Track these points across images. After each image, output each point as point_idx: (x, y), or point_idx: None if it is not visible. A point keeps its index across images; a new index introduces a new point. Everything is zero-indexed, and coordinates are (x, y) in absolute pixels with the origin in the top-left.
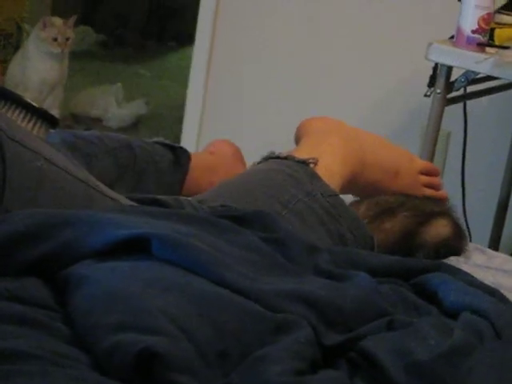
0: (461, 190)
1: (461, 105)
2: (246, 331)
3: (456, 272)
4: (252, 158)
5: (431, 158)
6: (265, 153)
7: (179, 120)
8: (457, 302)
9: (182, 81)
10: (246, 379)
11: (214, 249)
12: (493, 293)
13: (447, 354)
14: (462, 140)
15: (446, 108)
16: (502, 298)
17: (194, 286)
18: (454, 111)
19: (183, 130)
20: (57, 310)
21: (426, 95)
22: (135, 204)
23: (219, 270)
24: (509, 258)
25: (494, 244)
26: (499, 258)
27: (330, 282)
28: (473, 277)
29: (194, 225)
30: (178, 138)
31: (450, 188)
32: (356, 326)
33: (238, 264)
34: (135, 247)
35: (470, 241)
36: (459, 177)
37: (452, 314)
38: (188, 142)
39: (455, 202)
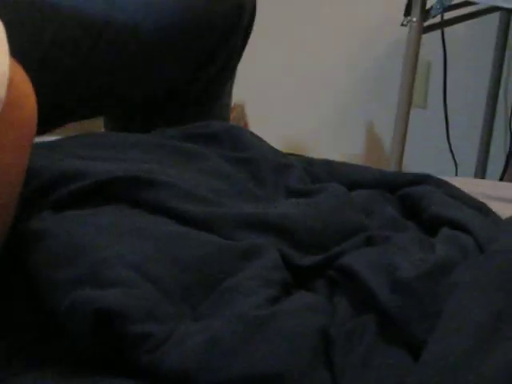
0: (444, 120)
1: (440, 34)
2: (209, 262)
3: (441, 185)
4: None
5: (411, 88)
6: None
7: None
8: (439, 214)
9: None
10: (219, 312)
11: (176, 181)
12: (479, 207)
13: (431, 269)
14: (442, 69)
15: (426, 37)
16: (488, 212)
17: (152, 227)
18: (433, 41)
19: None
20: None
21: (402, 24)
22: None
23: (181, 206)
24: (495, 183)
25: (481, 173)
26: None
27: (300, 202)
28: (458, 189)
29: (158, 153)
30: None
31: (433, 119)
32: (331, 244)
33: (203, 193)
34: (92, 194)
35: (456, 172)
36: (442, 107)
37: (432, 226)
38: None
39: (439, 132)
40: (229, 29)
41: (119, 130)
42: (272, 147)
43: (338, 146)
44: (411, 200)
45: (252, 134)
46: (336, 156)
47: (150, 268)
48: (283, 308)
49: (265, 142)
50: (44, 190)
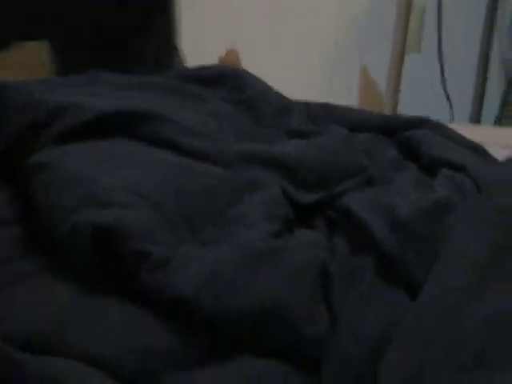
0: (439, 65)
1: None
2: (211, 191)
3: (439, 128)
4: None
5: (405, 33)
6: None
7: None
8: (437, 157)
9: None
10: (221, 240)
11: (177, 117)
12: (475, 148)
13: (430, 209)
14: (436, 13)
15: None
16: (485, 153)
17: (154, 157)
18: None
19: None
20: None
21: None
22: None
23: (183, 140)
24: (490, 128)
25: (477, 117)
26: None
27: (299, 141)
28: (456, 132)
29: (159, 92)
30: None
31: (428, 64)
32: (331, 183)
33: (203, 130)
34: (93, 128)
35: (453, 118)
36: (436, 51)
37: (432, 169)
38: None
39: (434, 77)
40: None
41: (70, 66)
42: (273, 89)
43: (331, 91)
44: (410, 143)
45: (253, 76)
46: (329, 101)
47: (150, 192)
48: (286, 242)
49: (266, 83)
50: (42, 123)
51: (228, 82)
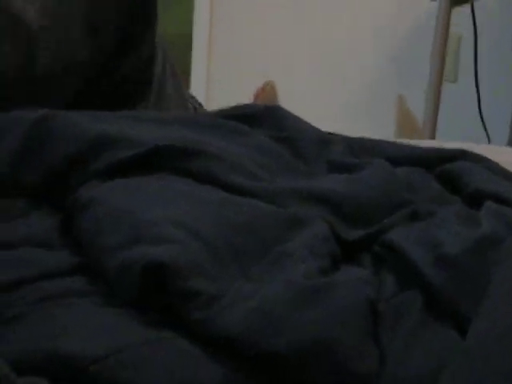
0: (476, 93)
1: (469, 8)
2: (259, 226)
3: (480, 160)
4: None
5: (442, 62)
6: None
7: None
8: (481, 189)
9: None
10: (269, 276)
11: (223, 153)
12: None
13: (477, 244)
14: (473, 43)
15: (456, 12)
16: None
17: (201, 193)
18: (463, 14)
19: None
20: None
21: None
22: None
23: (229, 177)
24: None
25: None
26: None
27: (344, 176)
28: (496, 163)
29: (202, 129)
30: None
31: (464, 92)
32: (376, 218)
33: (249, 167)
34: (140, 162)
35: (489, 143)
36: (473, 80)
37: (475, 202)
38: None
39: (471, 106)
40: None
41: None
42: (310, 124)
43: (368, 121)
44: (451, 176)
45: (290, 113)
46: (367, 132)
47: (199, 228)
48: (334, 279)
49: (303, 119)
50: (88, 155)
51: (266, 119)
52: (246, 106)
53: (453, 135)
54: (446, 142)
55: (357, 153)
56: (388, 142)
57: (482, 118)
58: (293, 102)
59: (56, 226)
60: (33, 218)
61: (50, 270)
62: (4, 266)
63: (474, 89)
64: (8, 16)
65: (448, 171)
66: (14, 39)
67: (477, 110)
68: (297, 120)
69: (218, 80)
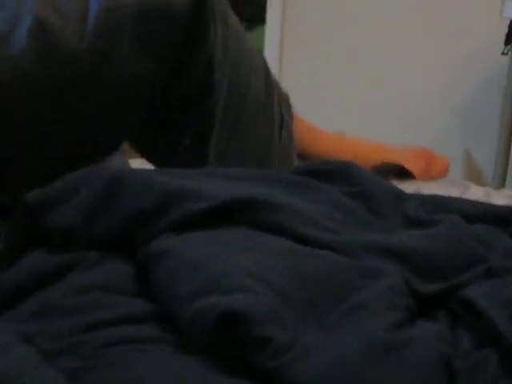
0: None
1: None
2: (333, 276)
3: None
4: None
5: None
6: None
7: None
8: None
9: None
10: (346, 328)
11: (295, 206)
12: None
13: None
14: None
15: None
16: None
17: (273, 244)
18: None
19: None
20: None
21: (503, 53)
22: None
23: (303, 230)
24: None
25: None
26: None
27: (419, 232)
28: None
29: (274, 185)
30: None
31: None
32: (451, 274)
33: (321, 221)
34: (214, 215)
35: None
36: None
37: None
38: None
39: None
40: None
41: None
42: (384, 180)
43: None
44: None
45: (362, 168)
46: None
47: (272, 278)
48: (411, 334)
49: (373, 174)
50: (161, 208)
51: (341, 175)
52: (321, 162)
53: None
54: None
55: (431, 209)
56: (462, 199)
57: None
58: None
59: (129, 275)
60: (106, 266)
61: (125, 315)
62: (81, 308)
63: None
64: (46, 38)
65: None
66: (55, 60)
67: None
68: (371, 176)
69: None
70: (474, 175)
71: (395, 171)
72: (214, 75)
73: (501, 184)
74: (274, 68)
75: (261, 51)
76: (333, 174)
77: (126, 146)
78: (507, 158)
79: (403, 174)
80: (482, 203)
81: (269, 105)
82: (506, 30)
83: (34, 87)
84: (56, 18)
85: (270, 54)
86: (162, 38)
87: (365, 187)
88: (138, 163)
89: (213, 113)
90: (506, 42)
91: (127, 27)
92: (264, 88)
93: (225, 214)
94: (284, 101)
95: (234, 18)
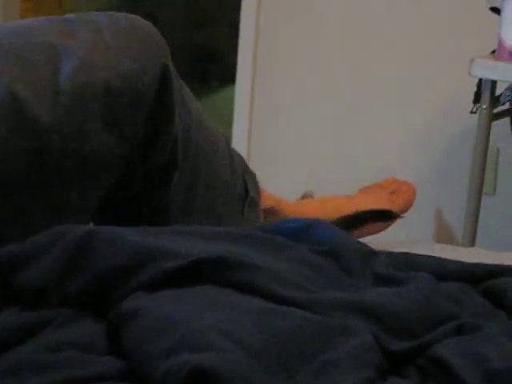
0: None
1: (508, 120)
2: (304, 334)
3: None
4: (292, 191)
5: (482, 175)
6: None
7: None
8: None
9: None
10: None
11: (264, 265)
12: None
13: None
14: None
15: (494, 124)
16: None
17: (244, 302)
18: (502, 127)
19: None
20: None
21: (472, 112)
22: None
23: (273, 288)
24: None
25: None
26: None
27: (388, 290)
28: None
29: (245, 242)
30: None
31: (502, 203)
32: (421, 332)
33: (292, 279)
34: (186, 274)
35: None
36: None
37: None
38: None
39: (509, 216)
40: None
41: None
42: (353, 238)
43: (406, 232)
44: (496, 291)
45: (331, 226)
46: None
47: (244, 337)
48: None
49: (345, 233)
50: (134, 266)
51: (308, 233)
52: (289, 220)
53: (491, 248)
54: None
55: (401, 267)
56: (434, 257)
57: None
58: None
59: (100, 334)
60: (78, 324)
61: (98, 373)
62: (52, 366)
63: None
64: (18, 112)
65: (492, 287)
66: (26, 133)
67: None
68: (339, 233)
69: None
70: (445, 234)
71: (374, 216)
72: (178, 155)
73: (470, 243)
74: (244, 126)
75: (222, 132)
76: (301, 232)
77: None
78: (477, 217)
79: (383, 215)
80: (452, 260)
81: (232, 185)
82: (474, 89)
83: (3, 156)
84: (28, 92)
85: (240, 112)
86: (127, 116)
87: (333, 245)
88: None
89: (174, 193)
90: (475, 101)
91: (95, 105)
92: (229, 168)
93: (196, 273)
94: (251, 178)
95: (193, 99)
